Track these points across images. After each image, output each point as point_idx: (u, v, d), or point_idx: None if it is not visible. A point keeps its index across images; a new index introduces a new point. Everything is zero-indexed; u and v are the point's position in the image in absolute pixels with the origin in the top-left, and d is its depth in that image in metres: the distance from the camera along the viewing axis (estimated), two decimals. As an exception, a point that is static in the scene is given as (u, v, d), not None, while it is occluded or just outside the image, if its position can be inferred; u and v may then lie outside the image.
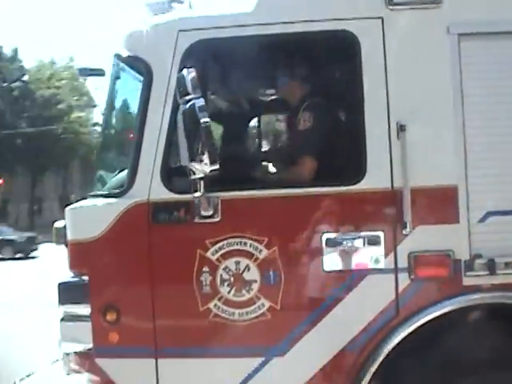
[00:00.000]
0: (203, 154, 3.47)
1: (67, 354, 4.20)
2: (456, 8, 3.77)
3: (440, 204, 3.77)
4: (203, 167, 3.50)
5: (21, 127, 47.87)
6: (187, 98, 3.52)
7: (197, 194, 3.66)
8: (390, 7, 3.78)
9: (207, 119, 3.46)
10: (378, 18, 3.78)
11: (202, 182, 3.61)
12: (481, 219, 3.74)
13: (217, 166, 3.49)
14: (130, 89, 4.18)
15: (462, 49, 3.75)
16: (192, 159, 3.52)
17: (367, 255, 3.76)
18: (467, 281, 3.71)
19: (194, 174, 3.57)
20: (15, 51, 53.42)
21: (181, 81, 3.57)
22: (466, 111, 3.74)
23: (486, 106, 3.75)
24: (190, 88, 3.52)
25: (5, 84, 51.31)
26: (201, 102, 3.49)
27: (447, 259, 3.72)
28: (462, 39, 3.75)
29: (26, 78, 52.57)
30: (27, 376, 4.69)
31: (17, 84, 51.82)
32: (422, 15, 3.79)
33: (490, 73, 3.76)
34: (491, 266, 3.69)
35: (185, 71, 3.57)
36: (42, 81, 51.01)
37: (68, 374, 4.24)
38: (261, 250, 3.79)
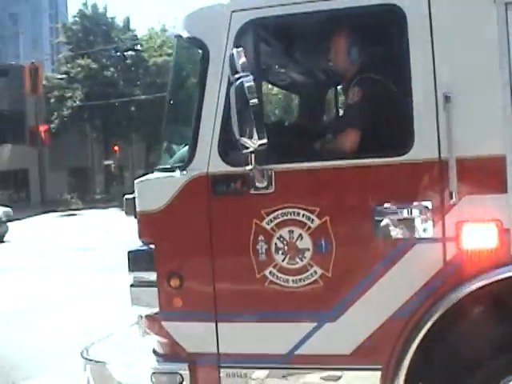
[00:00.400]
0: (252, 129, 3.65)
1: (141, 317, 4.54)
2: None
3: (488, 174, 3.78)
4: (252, 142, 3.68)
5: (135, 95, 49.43)
6: (237, 76, 3.70)
7: (248, 167, 3.85)
8: None
9: (255, 97, 3.63)
10: None
11: (252, 156, 3.79)
12: None
13: (265, 141, 3.66)
14: (190, 67, 4.40)
15: (510, 17, 3.71)
16: (242, 134, 3.71)
17: (416, 224, 3.84)
18: None
19: (245, 148, 3.75)
20: (127, 21, 55.24)
21: (231, 60, 3.75)
22: None
23: None
24: (239, 67, 3.70)
25: (118, 53, 53.19)
26: (249, 80, 3.66)
27: (495, 229, 3.74)
28: (510, 8, 3.71)
29: (138, 46, 54.23)
30: (107, 337, 5.08)
31: (130, 53, 53.61)
32: None
33: None
34: None
35: (234, 51, 3.75)
36: (154, 49, 52.34)
37: (143, 336, 4.57)
38: (313, 220, 3.94)
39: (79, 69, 50.89)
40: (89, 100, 48.41)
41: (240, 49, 3.76)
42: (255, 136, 3.65)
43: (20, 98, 45.00)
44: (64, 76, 52.14)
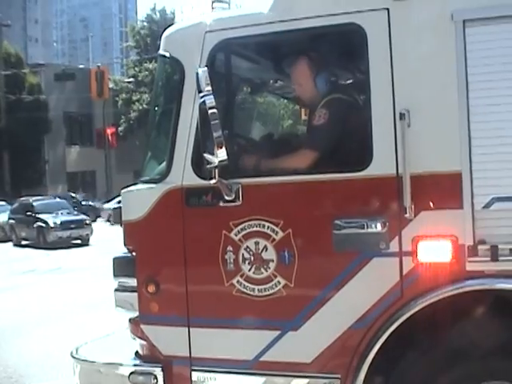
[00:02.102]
0: (213, 146, 3.84)
1: (129, 321, 4.79)
2: None
3: (444, 190, 3.85)
4: (213, 158, 3.87)
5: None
6: (201, 95, 3.90)
7: (212, 181, 4.03)
8: None
9: (215, 116, 3.82)
10: (384, 9, 3.91)
11: (216, 170, 3.97)
12: (486, 205, 3.78)
13: (225, 157, 3.84)
14: (170, 85, 4.62)
15: (467, 35, 3.77)
16: (204, 150, 3.91)
17: (374, 238, 3.94)
18: (470, 266, 3.79)
19: (209, 163, 3.94)
20: (173, 13, 56.02)
21: (197, 79, 3.95)
22: (470, 97, 3.76)
23: (491, 91, 3.75)
24: (202, 86, 3.90)
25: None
26: (210, 99, 3.85)
27: (450, 244, 3.82)
28: (468, 25, 3.78)
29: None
30: (99, 338, 5.36)
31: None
32: (426, 4, 3.87)
33: (494, 58, 3.75)
34: (494, 253, 3.74)
35: (199, 70, 3.95)
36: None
37: (134, 339, 4.82)
38: (277, 232, 4.11)
39: (146, 72, 51.99)
40: (155, 103, 49.34)
41: (205, 68, 3.96)
42: (216, 152, 3.84)
43: (88, 101, 46.29)
44: (131, 79, 53.38)
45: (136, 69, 53.90)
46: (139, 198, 4.55)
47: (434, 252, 3.86)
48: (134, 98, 52.13)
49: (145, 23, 57.57)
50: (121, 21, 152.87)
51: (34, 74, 48.75)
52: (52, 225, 28.41)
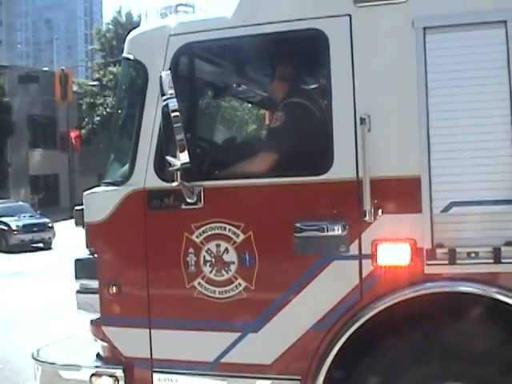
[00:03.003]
0: (175, 149, 3.86)
1: (91, 323, 4.78)
2: (421, 2, 3.89)
3: (403, 194, 3.93)
4: (176, 160, 3.89)
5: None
6: (163, 98, 3.91)
7: (174, 184, 4.05)
8: (358, 4, 3.96)
9: (178, 119, 3.84)
10: (346, 15, 3.97)
11: (178, 173, 3.99)
12: (444, 209, 3.86)
13: (187, 160, 3.87)
14: (133, 88, 4.64)
15: (427, 42, 3.86)
16: (167, 153, 3.93)
17: (334, 241, 3.99)
18: (428, 269, 3.86)
19: (171, 165, 3.96)
20: (139, 16, 55.73)
21: (160, 82, 3.97)
22: (430, 103, 3.85)
23: (450, 97, 3.84)
24: (165, 89, 3.92)
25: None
26: (173, 102, 3.87)
27: (409, 247, 3.89)
28: (428, 32, 3.86)
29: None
30: (62, 340, 5.35)
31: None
32: (387, 11, 3.94)
33: (454, 65, 3.84)
34: (452, 256, 3.82)
35: (163, 73, 3.97)
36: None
37: (95, 341, 4.80)
38: (238, 235, 4.14)
39: (111, 76, 51.60)
40: (120, 107, 49.07)
41: (168, 72, 3.98)
42: (178, 155, 3.86)
43: (51, 104, 45.72)
44: (96, 83, 52.95)
45: (101, 72, 53.39)
46: (102, 200, 4.54)
47: (393, 255, 3.92)
48: (98, 101, 51.66)
49: (110, 26, 57.14)
50: (86, 23, 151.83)
51: (-2, 76, 48.10)
52: (14, 228, 28.07)
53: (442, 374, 3.88)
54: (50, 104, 46.34)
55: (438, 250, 3.85)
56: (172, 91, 3.90)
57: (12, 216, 29.08)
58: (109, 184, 4.59)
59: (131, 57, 4.47)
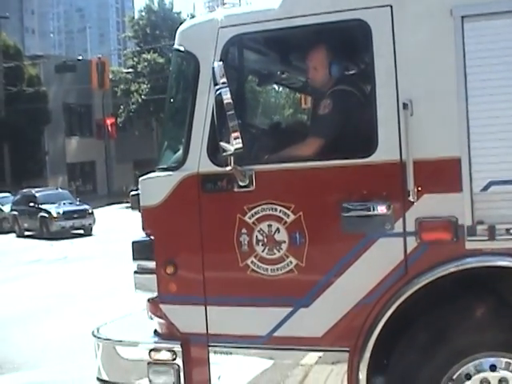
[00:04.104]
0: (229, 135, 4.12)
1: (148, 301, 5.07)
2: None
3: (444, 174, 4.14)
4: (229, 146, 4.14)
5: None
6: (217, 87, 4.16)
7: (228, 168, 4.30)
8: None
9: (231, 107, 4.09)
10: (387, 5, 4.17)
11: (231, 158, 4.24)
12: (483, 188, 4.06)
13: (240, 146, 4.12)
14: (185, 77, 4.89)
15: (465, 30, 4.05)
16: (221, 139, 4.18)
17: (379, 220, 4.22)
18: (469, 245, 4.08)
19: (225, 151, 4.22)
20: (192, 16, 56.00)
21: (213, 73, 4.22)
22: (469, 88, 4.04)
23: (487, 82, 4.03)
24: (218, 79, 4.17)
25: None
26: (226, 92, 4.12)
27: (450, 225, 4.10)
28: (466, 20, 4.05)
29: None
30: (119, 318, 5.65)
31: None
32: (427, 0, 4.14)
33: (490, 51, 4.03)
34: (492, 232, 4.02)
35: (215, 64, 4.22)
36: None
37: (151, 319, 5.09)
38: (288, 215, 4.38)
39: (145, 63, 52.10)
40: (154, 94, 49.55)
41: (220, 63, 4.22)
42: (232, 141, 4.11)
43: (87, 92, 46.44)
44: (130, 70, 53.46)
45: (135, 59, 53.96)
46: (157, 185, 4.81)
47: (436, 232, 4.14)
48: (133, 88, 52.24)
49: (143, 13, 57.57)
50: (117, 11, 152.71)
51: (34, 66, 48.84)
52: (55, 215, 28.71)
53: (482, 343, 4.09)
54: (85, 92, 47.01)
55: (478, 227, 4.05)
56: (224, 80, 4.14)
57: (53, 203, 29.73)
58: (163, 169, 4.85)
59: (182, 48, 4.72)
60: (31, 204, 30.20)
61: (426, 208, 4.14)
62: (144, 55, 52.46)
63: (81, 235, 27.97)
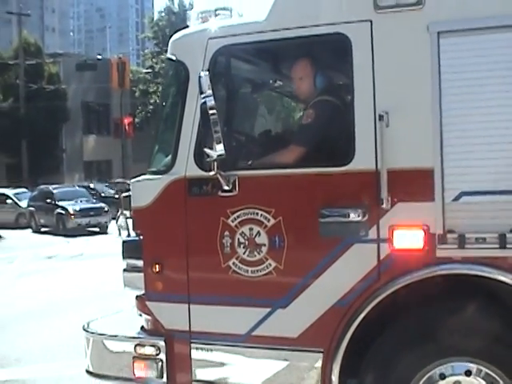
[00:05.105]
0: (212, 141, 4.31)
1: (136, 298, 5.28)
2: (435, 8, 4.24)
3: (417, 184, 4.30)
4: (213, 152, 4.34)
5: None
6: (202, 96, 4.36)
7: (211, 173, 4.50)
8: (378, 11, 4.33)
9: (215, 115, 4.29)
10: (368, 20, 4.35)
11: (215, 163, 4.44)
12: (455, 198, 4.22)
13: (222, 152, 4.32)
14: (176, 85, 5.10)
15: (441, 45, 4.21)
16: (205, 145, 4.38)
17: (354, 226, 4.39)
18: (440, 253, 4.24)
19: (209, 156, 4.41)
20: (192, 4, 56.28)
21: (199, 82, 4.41)
22: (443, 101, 4.20)
23: (461, 96, 4.18)
24: (203, 87, 4.37)
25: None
26: (211, 99, 4.32)
27: (422, 233, 4.26)
28: (442, 36, 4.21)
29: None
30: (109, 314, 5.87)
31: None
32: (405, 16, 4.30)
33: (464, 66, 4.19)
34: (461, 241, 4.19)
35: (202, 74, 4.42)
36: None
37: (140, 315, 5.30)
38: (269, 219, 4.57)
39: (163, 64, 52.39)
40: (172, 95, 49.80)
41: (206, 72, 4.42)
42: (215, 147, 4.31)
43: (106, 91, 46.87)
44: (149, 71, 53.86)
45: (154, 60, 54.38)
46: (147, 187, 5.02)
47: (408, 239, 4.30)
48: (151, 89, 52.64)
49: (163, 14, 58.00)
50: (137, 12, 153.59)
51: (54, 64, 49.38)
52: (72, 212, 29.05)
53: (446, 349, 4.25)
54: (104, 91, 47.41)
55: (449, 236, 4.21)
56: (210, 90, 4.33)
57: (69, 200, 30.09)
58: (153, 172, 5.07)
59: (174, 57, 4.93)
60: (48, 200, 30.59)
61: (399, 216, 4.31)
62: (163, 56, 52.73)
63: (96, 233, 28.26)
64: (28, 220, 32.14)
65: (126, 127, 48.35)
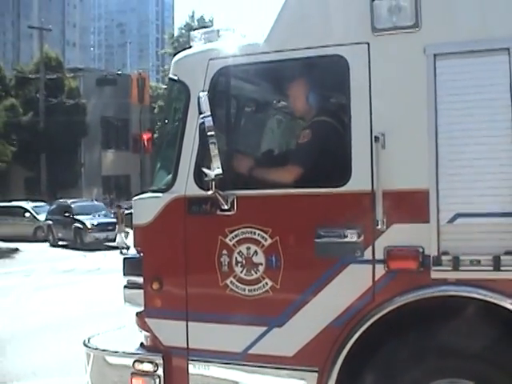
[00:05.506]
0: (210, 161, 4.38)
1: (136, 315, 5.33)
2: (432, 31, 4.28)
3: (412, 205, 4.33)
4: (210, 172, 4.41)
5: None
6: (201, 116, 4.43)
7: (209, 192, 4.56)
8: (375, 33, 4.38)
9: (213, 135, 4.36)
10: (365, 43, 4.40)
11: (212, 183, 4.50)
12: (450, 220, 4.23)
13: (220, 172, 4.38)
14: (177, 105, 5.18)
15: (437, 67, 4.25)
16: (203, 165, 4.45)
17: (350, 247, 4.42)
18: (434, 274, 4.25)
19: (206, 176, 4.47)
20: (211, 21, 56.66)
21: (198, 102, 4.48)
22: (438, 124, 4.24)
23: (457, 118, 4.22)
24: (202, 108, 4.44)
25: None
26: (209, 120, 4.39)
27: (417, 254, 4.28)
28: (438, 58, 4.26)
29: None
30: (111, 330, 5.92)
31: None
32: (401, 39, 4.35)
33: (461, 88, 4.22)
34: (456, 263, 4.20)
35: (201, 94, 4.49)
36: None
37: (140, 331, 5.35)
38: (266, 239, 4.62)
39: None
40: (191, 111, 49.97)
41: (205, 93, 4.49)
42: (213, 167, 4.37)
43: (125, 106, 47.23)
44: (168, 86, 54.11)
45: (173, 76, 54.68)
46: (148, 205, 5.09)
47: (403, 261, 4.32)
48: (171, 104, 52.91)
49: (183, 31, 58.45)
50: (157, 28, 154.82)
51: (74, 79, 49.89)
52: (89, 226, 29.29)
53: (440, 369, 4.25)
54: (123, 106, 47.73)
55: (444, 257, 4.22)
56: (208, 110, 4.40)
57: (87, 214, 30.33)
58: (154, 191, 5.14)
59: (175, 77, 5.01)
60: (66, 214, 30.89)
61: (395, 237, 4.33)
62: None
63: (114, 247, 28.33)
64: (46, 233, 32.45)
65: (145, 143, 48.60)
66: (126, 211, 6.31)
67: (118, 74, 49.54)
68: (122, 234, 26.50)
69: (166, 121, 5.56)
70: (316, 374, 4.52)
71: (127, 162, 49.69)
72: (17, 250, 29.06)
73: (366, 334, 4.39)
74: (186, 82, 4.91)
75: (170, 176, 5.00)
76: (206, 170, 4.44)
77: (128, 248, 23.73)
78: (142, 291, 5.05)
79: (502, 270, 4.11)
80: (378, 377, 4.40)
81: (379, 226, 4.31)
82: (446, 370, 4.28)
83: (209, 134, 4.35)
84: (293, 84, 4.97)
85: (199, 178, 4.74)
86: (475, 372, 4.18)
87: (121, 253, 25.61)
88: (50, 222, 32.02)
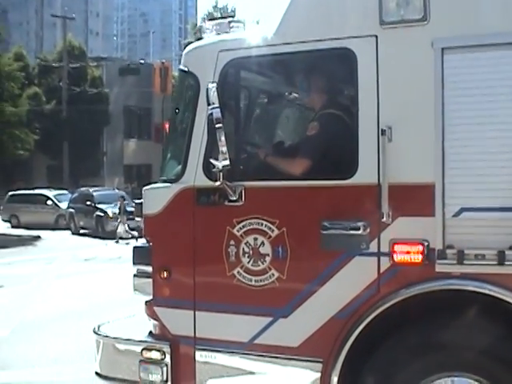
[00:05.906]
0: (217, 152, 4.42)
1: (145, 303, 5.39)
2: (440, 24, 4.28)
3: (418, 199, 4.34)
4: (218, 163, 4.45)
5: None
6: (209, 107, 4.47)
7: (217, 183, 4.60)
8: (383, 26, 4.39)
9: (221, 126, 4.39)
10: (373, 35, 4.41)
11: (220, 174, 4.53)
12: (455, 214, 4.24)
13: (227, 163, 4.42)
14: (187, 96, 5.22)
15: (445, 61, 4.25)
16: (210, 156, 4.49)
17: (355, 239, 4.44)
18: (439, 268, 4.26)
19: (214, 167, 4.51)
20: (234, 11, 56.47)
21: (206, 93, 4.52)
22: (445, 117, 4.23)
23: (464, 112, 4.21)
24: (211, 99, 4.47)
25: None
26: (217, 112, 4.42)
27: (422, 247, 4.30)
28: (446, 52, 4.25)
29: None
30: (121, 318, 6.00)
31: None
32: (409, 32, 4.35)
33: (468, 82, 4.22)
34: (460, 257, 4.21)
35: (209, 85, 4.52)
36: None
37: (149, 320, 5.41)
38: (273, 230, 4.65)
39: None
40: (213, 100, 50.00)
41: (214, 84, 4.52)
42: (220, 158, 4.41)
43: (147, 96, 47.35)
44: (190, 76, 54.15)
45: (195, 65, 54.73)
46: (157, 195, 5.15)
47: (408, 254, 4.33)
48: (193, 94, 52.96)
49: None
50: (180, 17, 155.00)
51: (97, 68, 50.16)
52: (111, 215, 29.43)
53: (442, 363, 4.27)
54: (145, 95, 47.84)
55: (448, 251, 4.23)
56: (217, 102, 4.43)
57: (109, 203, 30.44)
58: (164, 181, 5.19)
59: (186, 69, 5.05)
60: (88, 202, 31.06)
61: (400, 230, 4.35)
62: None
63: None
64: (67, 222, 32.69)
65: (167, 132, 48.78)
66: (136, 201, 6.34)
67: (140, 63, 49.74)
68: (125, 225, 27.34)
69: (177, 111, 5.58)
70: (320, 365, 4.55)
71: (149, 151, 49.85)
72: (39, 237, 29.40)
73: (370, 326, 4.42)
74: (196, 73, 4.94)
75: (180, 166, 5.04)
76: (213, 161, 4.48)
77: (132, 237, 24.03)
78: (150, 280, 5.11)
79: (506, 265, 4.11)
80: (383, 369, 4.42)
81: (385, 219, 4.32)
82: (448, 364, 4.29)
83: (217, 125, 4.39)
84: (301, 76, 5.00)
85: (208, 169, 4.77)
86: (477, 366, 4.19)
87: (117, 242, 25.91)
88: (72, 210, 32.25)
